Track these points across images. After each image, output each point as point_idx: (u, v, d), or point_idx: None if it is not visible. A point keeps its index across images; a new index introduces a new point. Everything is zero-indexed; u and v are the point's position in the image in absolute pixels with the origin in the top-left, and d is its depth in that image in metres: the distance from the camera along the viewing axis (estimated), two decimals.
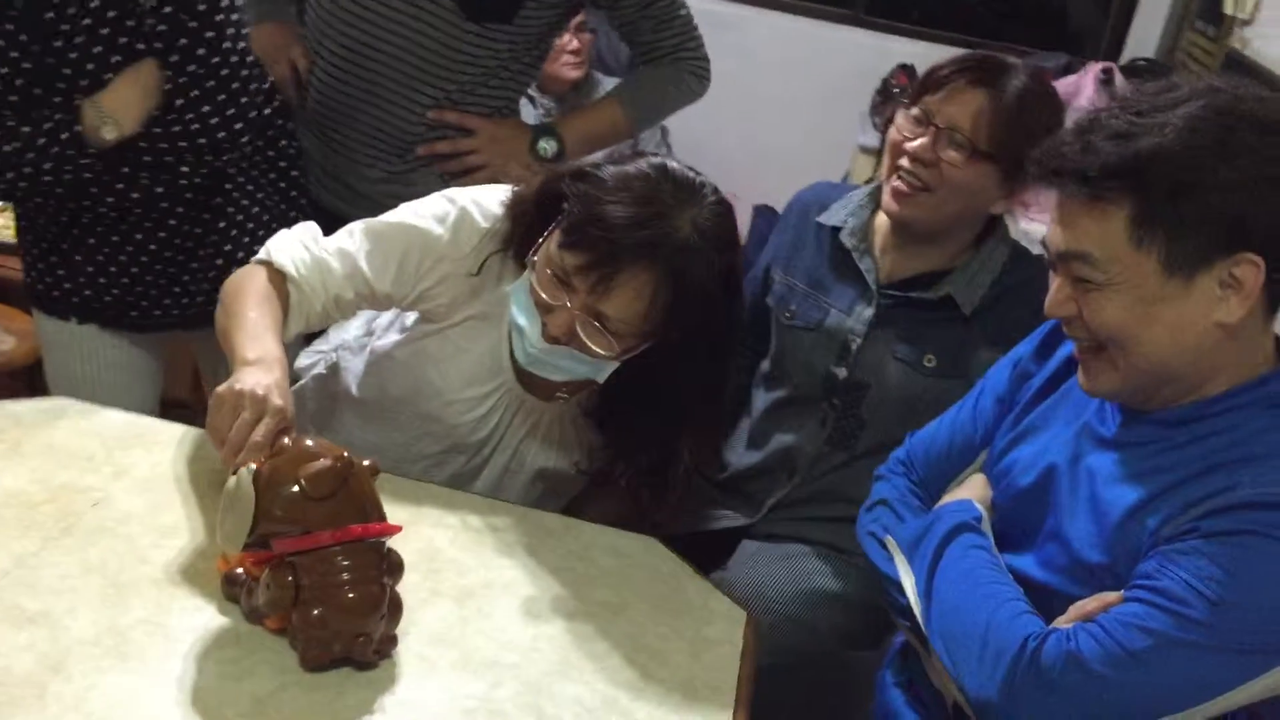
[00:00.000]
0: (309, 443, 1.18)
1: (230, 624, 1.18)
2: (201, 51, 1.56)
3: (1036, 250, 2.16)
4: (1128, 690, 1.08)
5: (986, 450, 1.38)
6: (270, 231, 1.77)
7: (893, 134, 1.70)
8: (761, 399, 1.91)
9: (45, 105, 1.57)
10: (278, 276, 1.47)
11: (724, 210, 1.42)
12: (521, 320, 1.44)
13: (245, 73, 1.60)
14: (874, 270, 1.76)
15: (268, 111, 1.78)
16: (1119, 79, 2.91)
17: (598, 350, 1.40)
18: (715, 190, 1.43)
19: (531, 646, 1.24)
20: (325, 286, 1.48)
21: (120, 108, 1.55)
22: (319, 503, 1.13)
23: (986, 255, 1.73)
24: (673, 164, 1.43)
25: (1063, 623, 1.15)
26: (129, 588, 1.20)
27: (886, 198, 1.71)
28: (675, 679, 1.24)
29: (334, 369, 1.70)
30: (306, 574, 1.13)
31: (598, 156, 1.49)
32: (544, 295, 1.40)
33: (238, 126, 1.63)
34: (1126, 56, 3.74)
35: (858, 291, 1.78)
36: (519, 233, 1.49)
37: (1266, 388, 1.14)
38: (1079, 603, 1.16)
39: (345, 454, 1.16)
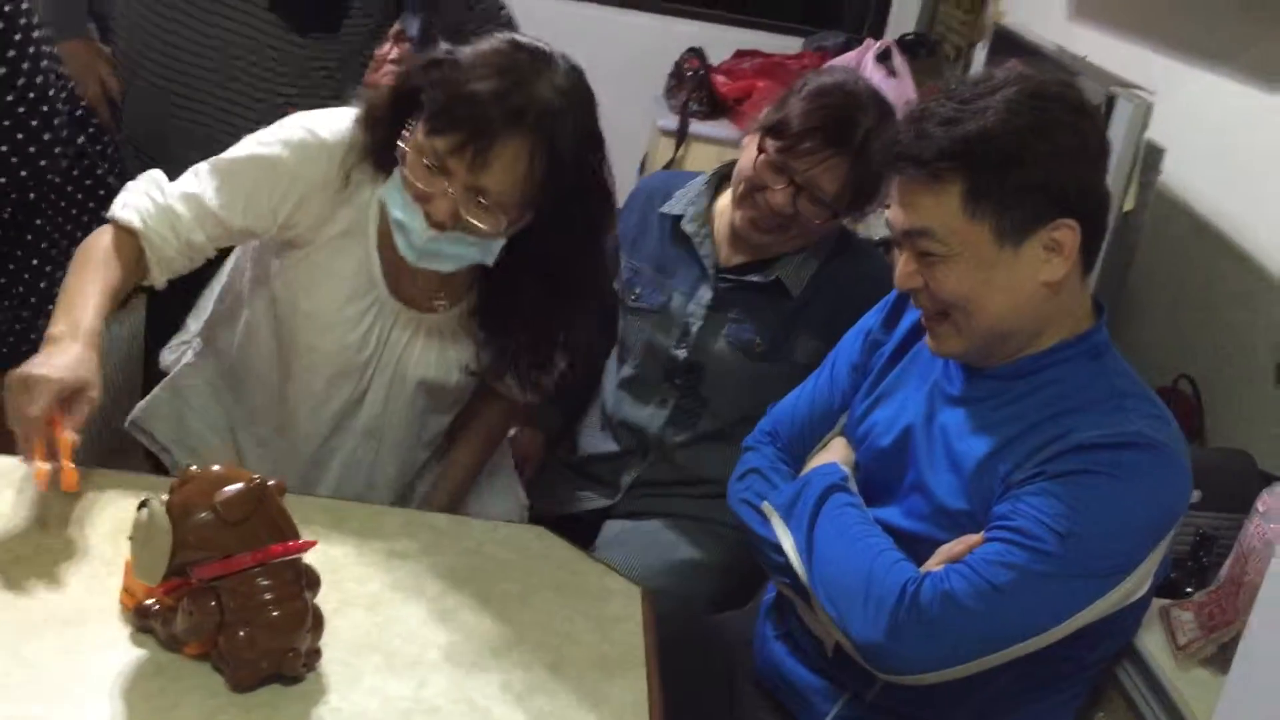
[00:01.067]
0: (216, 469, 1.19)
1: (147, 655, 1.18)
2: (2, 72, 1.49)
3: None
4: (997, 620, 1.23)
5: (845, 415, 1.51)
6: None
7: (746, 165, 1.78)
8: (611, 378, 1.99)
9: None
10: (124, 232, 1.46)
11: (577, 72, 1.46)
12: (401, 215, 1.45)
13: (48, 106, 1.53)
14: (712, 255, 1.86)
15: (80, 140, 1.71)
16: (896, 54, 3.12)
17: (483, 227, 1.43)
18: (565, 56, 1.47)
19: (449, 643, 1.29)
20: (175, 232, 1.48)
21: None
22: (235, 526, 1.15)
23: (815, 241, 1.85)
24: (520, 36, 1.47)
25: (932, 565, 1.29)
26: (31, 633, 1.17)
27: (742, 223, 1.80)
28: (588, 657, 1.31)
29: (203, 352, 1.70)
30: (229, 597, 1.14)
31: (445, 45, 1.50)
32: (420, 185, 1.42)
33: (41, 164, 1.56)
34: (892, 32, 3.99)
35: (697, 275, 1.88)
36: (377, 138, 1.49)
37: (1087, 342, 1.31)
38: (945, 546, 1.30)
39: (256, 476, 1.18)
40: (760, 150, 1.77)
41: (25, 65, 1.50)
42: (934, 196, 1.26)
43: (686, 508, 1.91)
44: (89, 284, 1.40)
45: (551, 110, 1.40)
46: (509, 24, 2.10)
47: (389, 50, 2.82)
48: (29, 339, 1.70)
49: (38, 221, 1.66)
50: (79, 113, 1.69)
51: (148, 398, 1.76)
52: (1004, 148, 1.23)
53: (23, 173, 1.54)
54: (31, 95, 1.51)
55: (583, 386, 2.04)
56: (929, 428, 1.37)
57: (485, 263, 1.50)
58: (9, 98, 1.49)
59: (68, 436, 1.27)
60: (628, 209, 2.01)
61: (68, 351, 1.32)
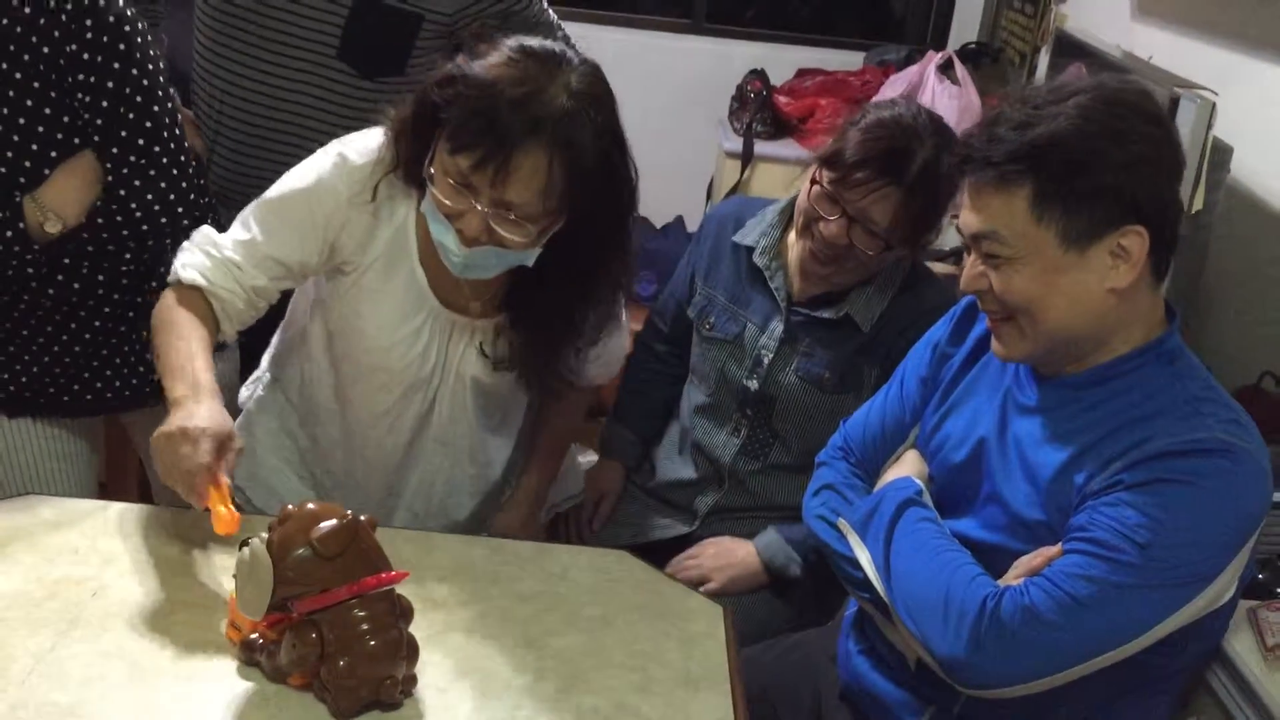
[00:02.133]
0: (311, 506, 1.25)
1: (255, 687, 1.24)
2: (141, 142, 1.58)
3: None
4: (1079, 633, 1.23)
5: (916, 428, 1.53)
6: None
7: (803, 199, 1.81)
8: (687, 402, 2.02)
9: None
10: (191, 292, 1.52)
11: (591, 70, 1.47)
12: (439, 234, 1.49)
13: (182, 158, 1.63)
14: (784, 289, 1.88)
15: (200, 188, 1.78)
16: (958, 65, 3.13)
17: (515, 239, 1.46)
18: (577, 53, 1.48)
19: (539, 666, 1.33)
20: (239, 282, 1.54)
21: (61, 202, 1.57)
22: (331, 561, 1.21)
23: (885, 274, 1.85)
24: (528, 41, 1.47)
25: (1011, 579, 1.30)
26: (150, 668, 1.25)
27: (801, 254, 1.83)
28: (674, 676, 1.34)
29: (271, 386, 1.77)
30: (329, 629, 1.20)
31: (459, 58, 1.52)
32: (449, 204, 1.46)
33: (179, 211, 1.64)
34: (954, 42, 3.99)
35: (770, 307, 1.90)
36: (405, 153, 1.52)
37: (1161, 347, 1.32)
38: (1023, 559, 1.31)
39: (349, 512, 1.23)
40: (814, 182, 1.78)
41: (166, 120, 1.60)
42: (1002, 199, 1.27)
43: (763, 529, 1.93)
44: (190, 345, 1.45)
45: (567, 114, 1.41)
46: (562, 34, 2.13)
47: None
48: (151, 381, 1.77)
49: (161, 269, 1.74)
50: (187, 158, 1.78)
51: None
52: (1073, 152, 1.24)
53: (163, 219, 1.62)
54: (172, 146, 1.60)
55: (657, 414, 2.09)
56: (1003, 438, 1.38)
57: (526, 264, 1.53)
58: (155, 148, 1.58)
59: (226, 482, 1.34)
60: (701, 236, 2.03)
61: (204, 405, 1.37)
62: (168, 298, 1.53)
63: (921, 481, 1.46)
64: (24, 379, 1.76)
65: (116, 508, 1.54)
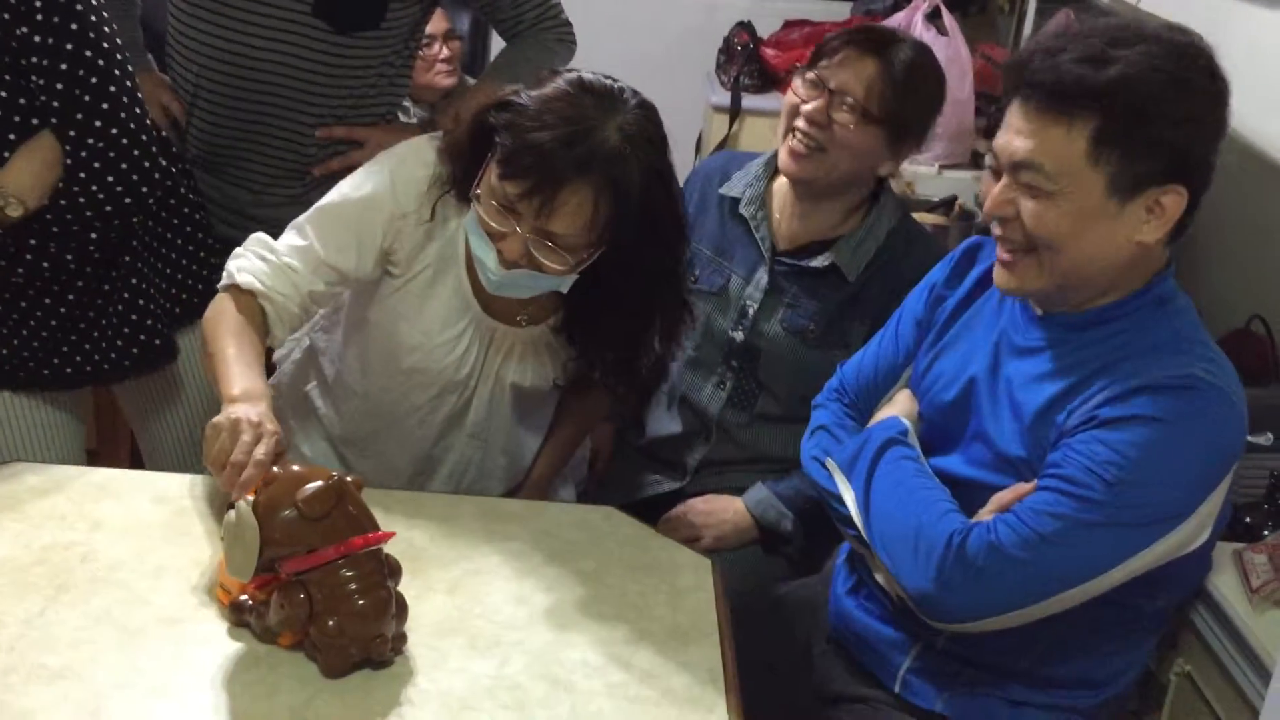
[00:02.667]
0: (296, 468, 1.25)
1: (245, 647, 1.25)
2: (98, 123, 1.55)
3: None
4: (1043, 568, 1.25)
5: (910, 368, 1.53)
6: (181, 283, 1.82)
7: (789, 97, 1.81)
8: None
9: None
10: (246, 296, 1.52)
11: (647, 111, 1.48)
12: (479, 251, 1.51)
13: (144, 136, 1.60)
14: (769, 238, 1.88)
15: (164, 163, 1.76)
16: (945, 13, 3.09)
17: (554, 266, 1.48)
18: (635, 93, 1.49)
19: (528, 621, 1.34)
20: (296, 288, 1.54)
21: (22, 185, 1.55)
22: (318, 522, 1.21)
23: (872, 223, 1.85)
24: (587, 75, 1.48)
25: (983, 515, 1.31)
26: (140, 631, 1.25)
27: (784, 157, 1.82)
28: (663, 629, 1.35)
29: (310, 352, 1.77)
30: (317, 589, 1.21)
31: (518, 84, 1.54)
32: (493, 224, 1.47)
33: (144, 190, 1.62)
34: None
35: (755, 258, 1.89)
36: (459, 171, 1.55)
37: (1154, 290, 1.32)
38: (997, 495, 1.32)
39: (334, 474, 1.23)
40: (789, 72, 1.81)
41: (125, 99, 1.56)
42: (1062, 131, 1.24)
43: (753, 484, 1.93)
44: (244, 351, 1.46)
45: (617, 155, 1.42)
46: (559, 19, 2.12)
47: (439, 50, 2.89)
48: (130, 354, 1.77)
49: (134, 243, 1.73)
50: (159, 133, 1.76)
51: None
52: (1144, 99, 1.22)
53: (127, 199, 1.61)
54: (132, 125, 1.57)
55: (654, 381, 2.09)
56: (993, 378, 1.39)
57: (561, 290, 1.55)
58: (113, 129, 1.56)
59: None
60: (688, 189, 2.02)
61: (262, 408, 1.37)
62: (221, 301, 1.53)
63: (910, 421, 1.46)
64: (2, 352, 1.75)
65: (103, 473, 1.54)
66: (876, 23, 3.22)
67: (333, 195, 1.59)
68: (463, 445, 1.73)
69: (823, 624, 1.61)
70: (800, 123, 1.78)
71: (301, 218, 1.59)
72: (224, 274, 1.55)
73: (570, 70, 1.51)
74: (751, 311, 1.88)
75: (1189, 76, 1.24)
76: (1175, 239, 1.32)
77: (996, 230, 1.34)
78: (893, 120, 1.76)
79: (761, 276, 1.87)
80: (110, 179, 1.58)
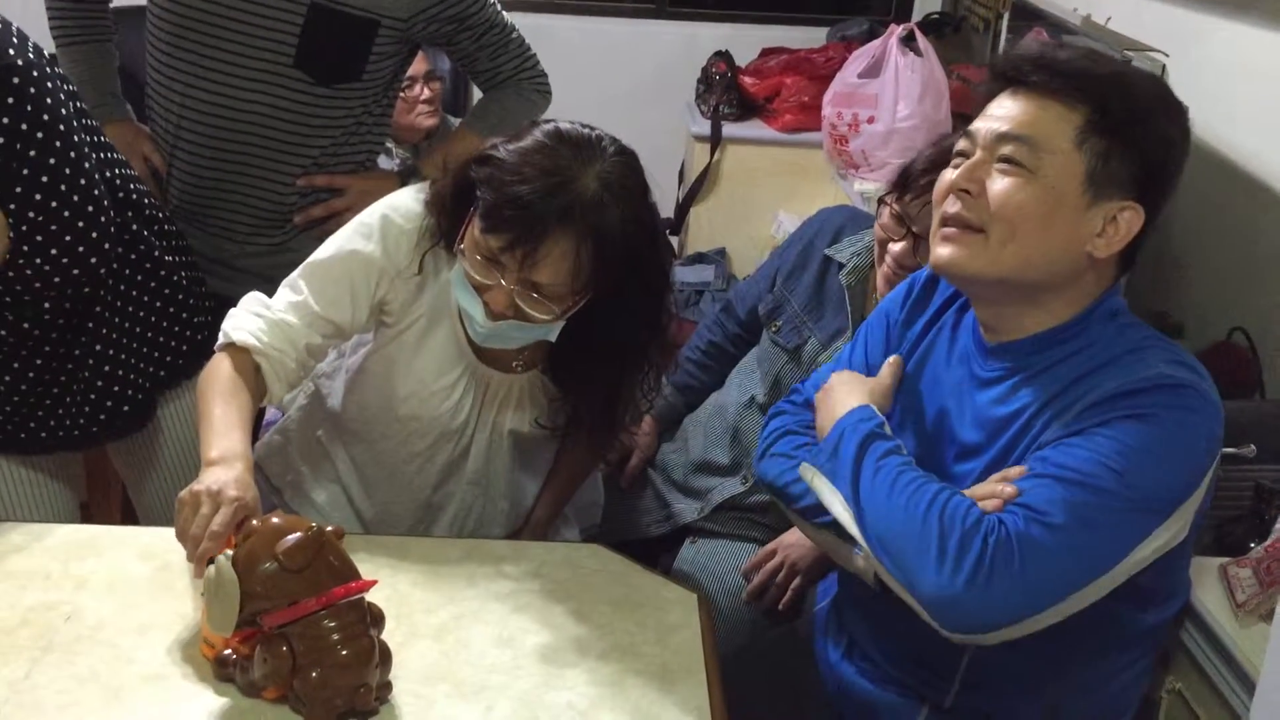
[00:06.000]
0: (275, 520, 1.25)
1: (230, 702, 1.25)
2: (38, 197, 1.51)
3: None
4: (1073, 559, 1.22)
5: None
6: (164, 345, 1.80)
7: (878, 228, 1.81)
8: (739, 390, 2.02)
9: None
10: (242, 354, 1.53)
11: (626, 159, 1.49)
12: (465, 304, 1.53)
13: (90, 208, 1.56)
14: (860, 313, 1.85)
15: (135, 225, 1.73)
16: (919, 36, 3.12)
17: (540, 316, 1.50)
18: (613, 140, 1.50)
19: (514, 665, 1.34)
20: (292, 343, 1.55)
21: None
22: (298, 574, 1.21)
23: None
24: (564, 125, 1.50)
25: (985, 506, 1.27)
26: (125, 689, 1.25)
27: (880, 282, 1.82)
28: (650, 668, 1.35)
29: (315, 397, 1.78)
30: (299, 641, 1.21)
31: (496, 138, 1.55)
32: (478, 277, 1.49)
33: (92, 261, 1.60)
34: (919, 13, 3.98)
35: (839, 328, 1.88)
36: (444, 224, 1.56)
37: (1104, 305, 1.33)
38: (981, 485, 1.29)
39: (313, 524, 1.24)
40: (882, 202, 1.78)
41: (67, 170, 1.53)
42: (1057, 109, 1.26)
43: (764, 535, 1.93)
44: (229, 412, 1.45)
45: (597, 203, 1.44)
46: (521, 49, 2.13)
47: (420, 91, 2.91)
48: (98, 420, 1.77)
49: (97, 309, 1.70)
50: (133, 195, 1.74)
51: (263, 440, 1.84)
52: (1137, 102, 1.27)
53: (75, 270, 1.58)
54: (75, 198, 1.54)
55: (709, 390, 2.11)
56: (961, 411, 1.38)
57: (549, 339, 1.57)
58: (53, 203, 1.53)
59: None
60: (795, 237, 2.02)
61: (234, 473, 1.36)
62: (216, 361, 1.54)
63: (876, 406, 1.40)
64: None
65: (88, 530, 1.55)
66: (854, 51, 3.25)
67: (324, 250, 1.60)
68: (463, 492, 1.74)
69: (816, 682, 1.57)
70: (890, 259, 1.77)
71: (294, 273, 1.60)
72: (220, 334, 1.56)
73: (548, 121, 1.52)
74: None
75: (1172, 105, 1.29)
76: (1125, 268, 1.33)
77: (950, 208, 1.31)
78: None
79: (839, 348, 1.84)
80: (53, 251, 1.55)
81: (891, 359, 1.46)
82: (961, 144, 1.34)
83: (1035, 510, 1.23)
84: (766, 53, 3.67)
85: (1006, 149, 1.27)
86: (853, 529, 1.32)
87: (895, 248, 1.76)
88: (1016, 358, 1.34)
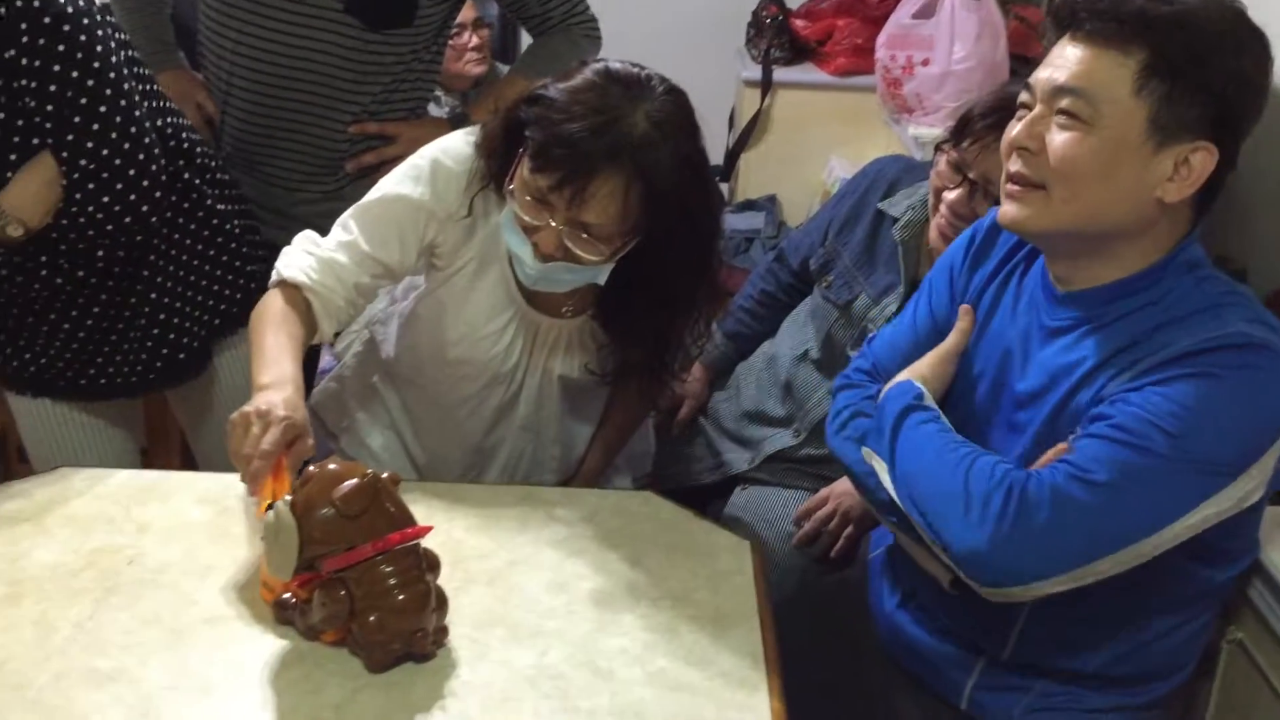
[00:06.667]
0: (333, 466, 1.26)
1: (290, 645, 1.26)
2: (90, 145, 1.54)
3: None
4: (1108, 519, 1.20)
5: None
6: (218, 294, 1.83)
7: (933, 177, 1.77)
8: (792, 341, 2.00)
9: None
10: (292, 290, 1.54)
11: (676, 98, 1.48)
12: (515, 246, 1.53)
13: (142, 155, 1.58)
14: (912, 270, 1.83)
15: (186, 174, 1.75)
16: None
17: (589, 257, 1.49)
18: (663, 79, 1.48)
19: (568, 610, 1.34)
20: (341, 281, 1.56)
21: (22, 205, 1.55)
22: (355, 519, 1.22)
23: None
24: (614, 65, 1.48)
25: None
26: (187, 631, 1.27)
27: (933, 234, 1.79)
28: (703, 614, 1.35)
29: (370, 344, 1.80)
30: (357, 586, 1.22)
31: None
32: (527, 218, 1.48)
33: (143, 209, 1.62)
34: None
35: (890, 283, 1.85)
36: (494, 166, 1.55)
37: (1182, 255, 1.28)
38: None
39: (369, 470, 1.25)
40: (937, 149, 1.75)
41: (118, 119, 1.55)
42: (1111, 57, 1.22)
43: (814, 485, 1.92)
44: (279, 340, 1.47)
45: (646, 141, 1.43)
46: (585, 15, 2.12)
47: (469, 38, 2.89)
48: (155, 367, 1.79)
49: (150, 257, 1.73)
50: (185, 144, 1.75)
51: (319, 387, 1.87)
52: (1199, 40, 1.21)
53: (127, 219, 1.61)
54: (126, 146, 1.56)
55: (762, 339, 2.10)
56: (1025, 362, 1.36)
57: (597, 282, 1.56)
58: (104, 151, 1.55)
59: (288, 477, 1.33)
60: (848, 190, 1.99)
61: (284, 394, 1.38)
62: (268, 297, 1.55)
63: (925, 384, 1.39)
64: (42, 361, 1.78)
65: (148, 475, 1.57)
66: (927, 20, 3.17)
67: (375, 192, 1.61)
68: (514, 437, 1.75)
69: (870, 631, 1.56)
70: (944, 208, 1.74)
71: (345, 214, 1.61)
72: (273, 272, 1.57)
73: (598, 61, 1.51)
74: (870, 336, 1.84)
75: (1244, 35, 1.23)
76: (1203, 211, 1.29)
77: (1013, 166, 1.29)
78: None
79: (890, 304, 1.84)
80: (106, 199, 1.58)
81: (963, 308, 1.44)
82: (1023, 95, 1.30)
83: (1078, 467, 1.21)
84: None
85: (1063, 102, 1.24)
86: (894, 496, 1.34)
87: (950, 195, 1.73)
88: (1087, 307, 1.31)
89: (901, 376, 1.43)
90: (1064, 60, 1.25)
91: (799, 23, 3.46)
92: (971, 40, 2.92)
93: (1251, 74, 1.23)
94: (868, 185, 1.96)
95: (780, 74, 3.41)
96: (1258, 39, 1.24)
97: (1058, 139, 1.24)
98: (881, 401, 1.41)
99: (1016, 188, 1.29)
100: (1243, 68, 1.22)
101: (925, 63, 2.99)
